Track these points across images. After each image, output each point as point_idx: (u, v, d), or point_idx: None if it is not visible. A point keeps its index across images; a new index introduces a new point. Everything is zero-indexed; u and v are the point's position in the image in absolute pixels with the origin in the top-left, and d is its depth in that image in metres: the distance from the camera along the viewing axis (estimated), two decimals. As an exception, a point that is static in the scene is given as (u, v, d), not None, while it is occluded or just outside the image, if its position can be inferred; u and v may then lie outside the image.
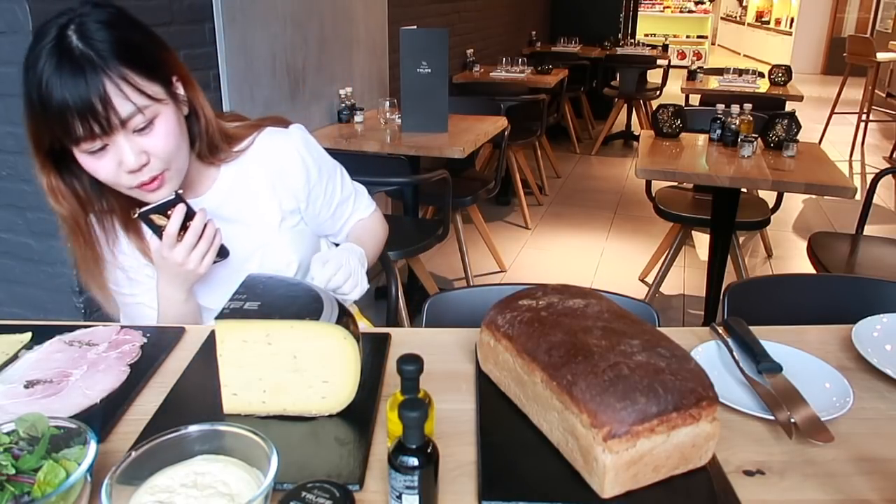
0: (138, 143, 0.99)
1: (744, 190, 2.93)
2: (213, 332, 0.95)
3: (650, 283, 3.40)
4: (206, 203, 1.16)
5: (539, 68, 5.16)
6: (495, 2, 5.81)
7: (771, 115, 2.80)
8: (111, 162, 0.99)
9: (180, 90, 1.06)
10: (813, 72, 11.69)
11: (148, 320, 1.21)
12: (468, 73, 5.07)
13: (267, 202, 1.22)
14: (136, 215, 1.04)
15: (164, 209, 1.04)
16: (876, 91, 6.63)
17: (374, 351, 1.05)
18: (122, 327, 1.11)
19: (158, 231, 1.05)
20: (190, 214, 1.06)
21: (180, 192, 1.06)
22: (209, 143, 1.13)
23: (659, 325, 1.21)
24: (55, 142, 0.98)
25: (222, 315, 0.86)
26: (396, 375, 0.74)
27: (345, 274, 1.13)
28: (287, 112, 2.83)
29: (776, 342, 1.05)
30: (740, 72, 5.06)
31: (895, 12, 9.98)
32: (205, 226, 1.07)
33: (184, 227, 1.05)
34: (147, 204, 1.04)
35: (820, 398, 0.92)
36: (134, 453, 0.69)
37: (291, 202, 1.24)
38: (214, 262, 1.11)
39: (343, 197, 1.34)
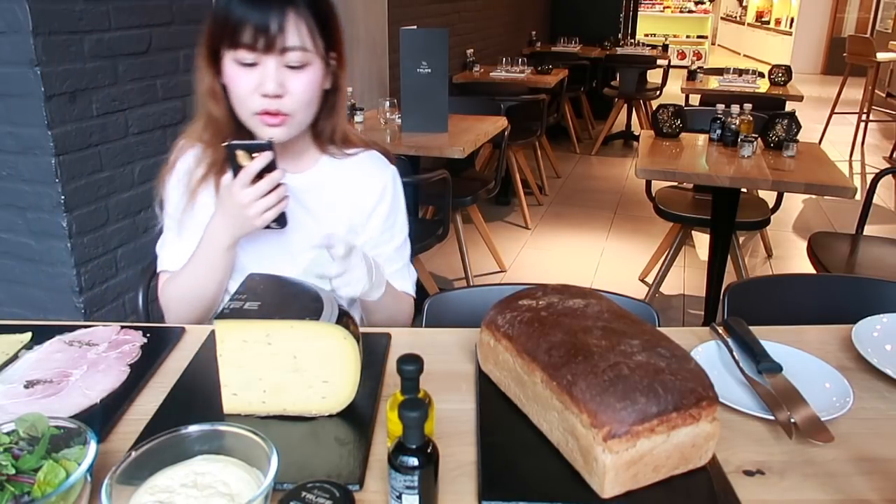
0: (284, 76, 1.07)
1: (744, 190, 2.92)
2: (213, 332, 0.95)
3: (650, 283, 3.40)
4: (295, 182, 1.18)
5: (539, 68, 5.16)
6: (495, 2, 5.81)
7: (771, 115, 2.80)
8: (253, 79, 1.07)
9: (333, 64, 1.15)
10: (813, 72, 11.69)
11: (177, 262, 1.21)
12: (468, 73, 5.07)
13: (342, 211, 1.24)
14: (226, 144, 1.07)
15: (252, 150, 1.06)
16: (876, 91, 6.63)
17: (374, 351, 1.05)
18: (123, 327, 1.11)
19: (237, 169, 1.07)
20: (271, 167, 1.06)
21: (273, 140, 1.07)
22: (332, 125, 1.20)
23: (659, 325, 1.21)
24: (219, 46, 1.09)
25: (222, 315, 0.86)
26: (396, 375, 0.74)
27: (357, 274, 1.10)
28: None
29: (776, 342, 1.05)
30: (740, 72, 5.06)
31: (895, 12, 9.98)
32: (279, 186, 1.08)
33: (260, 176, 1.06)
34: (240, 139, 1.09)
35: (820, 398, 0.92)
36: (134, 453, 0.69)
37: (359, 221, 1.26)
38: (270, 227, 1.11)
39: (390, 252, 1.29)
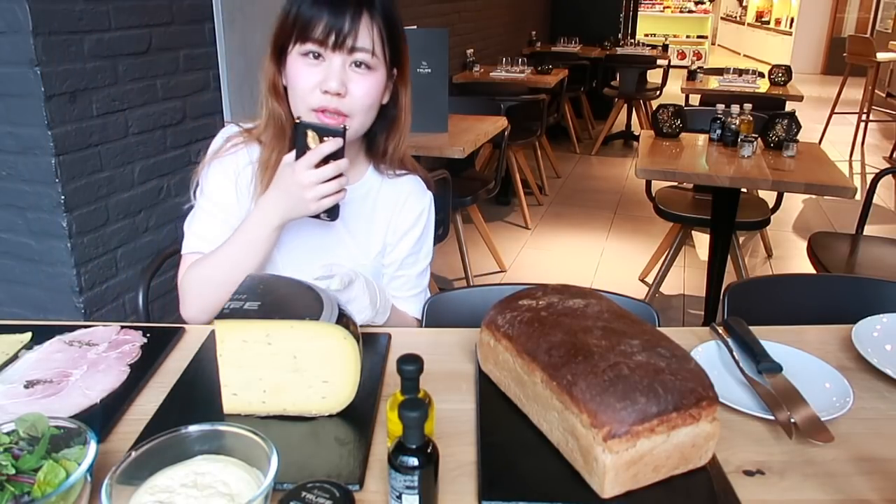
0: (347, 76, 1.08)
1: (744, 190, 2.92)
2: (213, 332, 0.95)
3: (650, 283, 3.40)
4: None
5: (539, 68, 5.16)
6: (495, 2, 5.81)
7: (771, 115, 2.80)
8: (316, 74, 1.08)
9: (395, 78, 1.17)
10: (813, 72, 11.69)
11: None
12: (468, 73, 5.07)
13: (378, 228, 1.25)
14: (298, 121, 1.06)
15: (323, 133, 1.04)
16: (876, 91, 6.63)
17: (374, 351, 1.05)
18: (123, 327, 1.11)
19: (302, 150, 1.04)
20: (338, 154, 1.05)
21: (347, 129, 1.06)
22: (391, 144, 1.21)
23: (659, 325, 1.21)
24: (286, 42, 1.10)
25: (222, 315, 0.86)
26: (396, 375, 0.74)
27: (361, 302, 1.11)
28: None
29: (776, 342, 1.05)
30: (740, 72, 5.06)
31: (895, 12, 9.98)
32: (341, 175, 1.06)
33: (325, 162, 1.04)
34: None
35: (820, 398, 0.92)
36: (134, 453, 0.69)
37: (391, 240, 1.26)
38: (319, 216, 1.09)
39: (412, 277, 1.30)
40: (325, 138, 1.04)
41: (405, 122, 1.22)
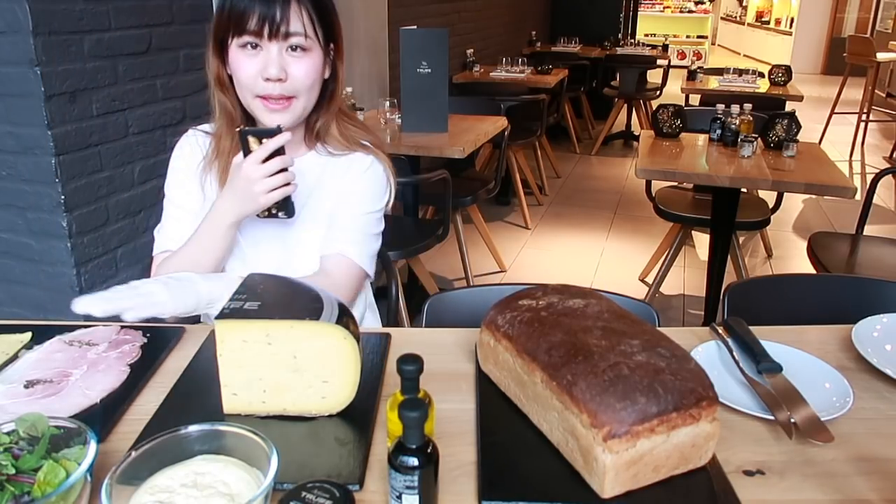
0: (286, 61, 1.13)
1: (744, 190, 2.93)
2: (213, 332, 0.95)
3: (650, 283, 3.40)
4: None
5: (539, 68, 5.16)
6: (495, 2, 5.81)
7: (771, 115, 2.80)
8: (257, 64, 1.13)
9: (332, 57, 1.21)
10: (813, 72, 11.69)
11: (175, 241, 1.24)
12: (468, 73, 5.07)
13: (326, 196, 1.27)
14: (238, 129, 1.13)
15: (262, 136, 1.11)
16: (876, 91, 6.63)
17: (374, 351, 1.05)
18: (123, 327, 1.11)
19: (248, 154, 1.12)
20: (280, 151, 1.12)
21: (283, 127, 1.13)
22: (322, 119, 1.25)
23: (659, 325, 1.21)
24: (225, 35, 1.14)
25: (222, 315, 0.86)
26: (396, 375, 0.74)
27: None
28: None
29: (776, 342, 1.05)
30: (740, 72, 5.06)
31: (895, 12, 9.98)
32: (286, 171, 1.12)
33: (271, 158, 1.12)
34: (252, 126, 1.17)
35: (820, 398, 0.92)
36: (134, 453, 0.69)
37: (340, 202, 1.28)
38: (275, 213, 1.16)
39: (346, 212, 1.26)
40: (264, 140, 1.11)
41: (337, 92, 1.25)
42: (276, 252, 1.27)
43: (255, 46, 1.13)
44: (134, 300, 1.00)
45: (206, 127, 1.32)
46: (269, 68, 1.12)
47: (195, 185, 1.27)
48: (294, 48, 1.14)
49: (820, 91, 9.22)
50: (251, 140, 1.11)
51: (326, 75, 1.21)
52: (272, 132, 1.11)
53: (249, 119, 1.22)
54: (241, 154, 1.13)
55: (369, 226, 1.29)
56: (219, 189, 1.23)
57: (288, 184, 1.12)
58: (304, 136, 1.28)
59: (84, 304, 0.98)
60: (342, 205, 1.27)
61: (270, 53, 1.12)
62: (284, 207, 1.16)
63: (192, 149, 1.29)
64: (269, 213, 1.16)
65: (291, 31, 1.12)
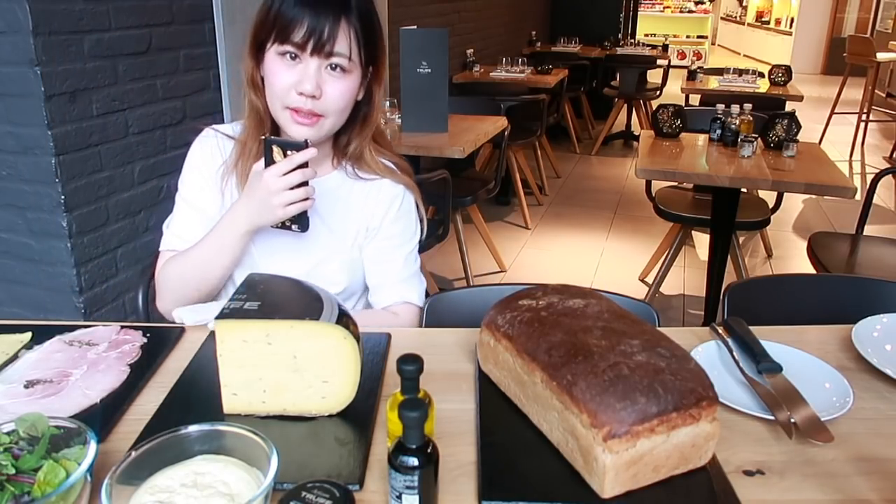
0: (323, 78, 1.11)
1: (744, 190, 2.92)
2: (213, 332, 0.95)
3: (650, 283, 3.40)
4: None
5: (539, 68, 5.16)
6: (495, 2, 5.81)
7: (771, 115, 2.80)
8: (293, 75, 1.10)
9: (369, 78, 1.18)
10: (813, 72, 11.69)
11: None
12: (468, 73, 5.07)
13: (353, 218, 1.26)
14: (264, 138, 1.10)
15: (287, 148, 1.08)
16: (876, 91, 6.63)
17: (374, 351, 1.05)
18: (123, 327, 1.11)
19: (269, 163, 1.09)
20: (305, 164, 1.09)
21: (308, 141, 1.09)
22: (353, 140, 1.23)
23: (659, 325, 1.21)
24: (265, 39, 1.11)
25: (222, 315, 0.86)
26: (396, 375, 0.74)
27: None
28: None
29: (776, 342, 1.05)
30: (740, 72, 5.06)
31: (895, 12, 9.98)
32: (307, 185, 1.10)
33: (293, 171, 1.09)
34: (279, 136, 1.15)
35: (820, 398, 0.92)
36: (134, 453, 0.69)
37: (363, 230, 1.27)
38: (289, 226, 1.13)
39: (398, 256, 1.29)
40: (289, 152, 1.08)
41: (372, 117, 1.23)
42: (292, 269, 1.19)
43: (294, 57, 1.10)
44: None
45: (225, 128, 1.28)
46: (305, 83, 1.09)
47: (212, 187, 1.24)
48: (334, 67, 1.10)
49: (820, 91, 9.22)
50: (275, 150, 1.08)
51: (360, 97, 1.18)
52: (299, 146, 1.07)
53: (275, 125, 1.19)
54: (262, 161, 1.10)
55: (416, 263, 1.32)
56: (240, 193, 1.20)
57: (307, 198, 1.10)
58: (332, 153, 1.26)
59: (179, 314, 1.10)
60: (388, 246, 1.27)
61: (309, 68, 1.09)
62: (299, 221, 1.13)
63: (212, 151, 1.25)
64: (282, 224, 1.13)
65: (336, 51, 1.09)
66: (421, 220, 1.33)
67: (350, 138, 1.23)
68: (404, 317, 1.28)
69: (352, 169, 1.26)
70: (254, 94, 1.19)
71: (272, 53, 1.11)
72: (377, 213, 1.27)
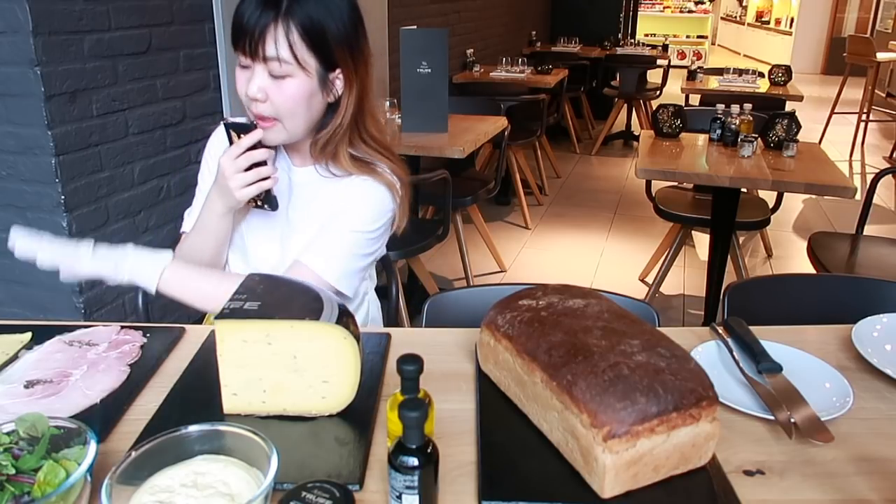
0: (267, 82, 1.12)
1: (744, 190, 2.92)
2: (213, 332, 0.95)
3: (650, 283, 3.40)
4: (297, 177, 1.27)
5: (539, 68, 5.16)
6: (495, 2, 5.81)
7: (771, 115, 2.80)
8: (244, 80, 1.15)
9: (338, 83, 1.18)
10: (813, 72, 11.69)
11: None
12: (468, 73, 5.07)
13: (317, 211, 1.26)
14: (223, 121, 1.17)
15: (240, 131, 1.14)
16: (876, 91, 6.62)
17: (374, 351, 1.05)
18: (123, 327, 1.11)
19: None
20: (258, 146, 1.14)
21: (258, 124, 1.15)
22: (326, 140, 1.22)
23: (659, 325, 1.21)
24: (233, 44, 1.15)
25: (222, 315, 0.86)
26: (396, 375, 0.74)
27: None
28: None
29: (776, 342, 1.05)
30: (740, 72, 5.06)
31: (895, 12, 9.98)
32: (261, 165, 1.14)
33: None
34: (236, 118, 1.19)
35: (820, 398, 0.92)
36: (134, 453, 0.69)
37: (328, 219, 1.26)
38: (258, 206, 1.19)
39: (328, 236, 1.23)
40: (241, 134, 1.13)
41: (343, 121, 1.20)
42: (275, 252, 1.29)
43: (245, 65, 1.13)
44: (58, 251, 1.12)
45: (242, 119, 1.27)
46: (250, 87, 1.13)
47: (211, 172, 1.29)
48: (275, 71, 1.11)
49: (820, 91, 9.22)
50: (233, 134, 1.14)
51: (331, 99, 1.18)
52: (248, 128, 1.13)
53: None
54: (229, 148, 1.15)
55: (352, 245, 1.22)
56: None
57: (266, 178, 1.14)
58: (310, 149, 1.25)
59: (15, 235, 1.11)
60: (331, 219, 1.23)
61: (255, 72, 1.12)
62: (268, 201, 1.18)
63: (224, 143, 1.25)
64: (255, 204, 1.19)
65: (268, 55, 1.10)
66: (394, 215, 1.27)
67: (320, 138, 1.22)
68: (303, 275, 1.19)
69: (324, 166, 1.25)
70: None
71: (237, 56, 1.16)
72: (341, 202, 1.24)
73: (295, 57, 1.11)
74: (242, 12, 1.10)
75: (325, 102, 1.19)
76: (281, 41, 1.10)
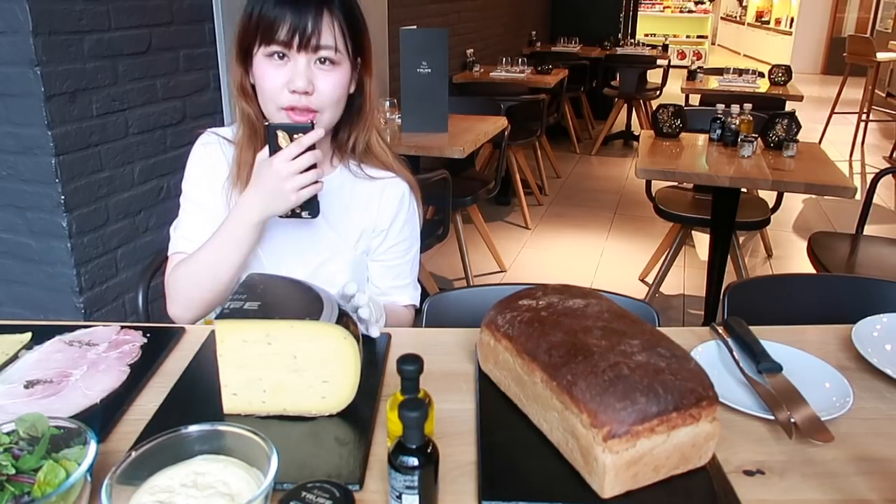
0: (313, 73, 1.10)
1: (744, 190, 2.92)
2: (213, 332, 0.95)
3: (650, 283, 3.40)
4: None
5: (539, 68, 5.16)
6: (495, 2, 5.81)
7: (771, 115, 2.80)
8: (283, 75, 1.10)
9: (359, 68, 1.18)
10: (813, 72, 11.69)
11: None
12: (468, 73, 5.07)
13: (355, 217, 1.26)
14: (268, 124, 1.09)
15: (293, 132, 1.07)
16: (876, 91, 6.62)
17: (374, 351, 1.05)
18: (123, 327, 1.11)
19: (276, 150, 1.07)
20: (312, 147, 1.07)
21: (315, 123, 1.09)
22: (353, 134, 1.22)
23: (659, 325, 1.21)
24: (251, 44, 1.12)
25: (222, 315, 0.86)
26: (396, 375, 0.74)
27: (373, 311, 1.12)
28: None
29: (776, 342, 1.05)
30: (740, 72, 5.06)
31: (895, 12, 9.98)
32: (316, 167, 1.08)
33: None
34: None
35: (820, 398, 0.92)
36: (134, 453, 0.69)
37: (373, 229, 1.28)
38: (300, 214, 1.11)
39: (405, 260, 1.33)
40: (295, 136, 1.06)
41: (370, 111, 1.23)
42: (297, 269, 1.20)
43: (282, 57, 1.10)
44: None
45: (225, 132, 1.28)
46: (297, 80, 1.09)
47: (217, 191, 1.22)
48: (323, 61, 1.10)
49: (820, 91, 9.22)
50: (280, 135, 1.06)
51: (352, 90, 1.18)
52: (305, 128, 1.06)
53: None
54: (265, 150, 1.08)
55: (416, 260, 1.35)
56: (232, 197, 1.20)
57: (318, 181, 1.08)
58: (332, 151, 1.25)
59: None
60: (398, 251, 1.30)
61: (298, 65, 1.09)
62: (309, 207, 1.10)
63: (217, 157, 1.25)
64: (292, 213, 1.11)
65: (322, 44, 1.09)
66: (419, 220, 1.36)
67: (349, 133, 1.23)
68: (404, 319, 1.32)
69: (357, 167, 1.26)
70: (244, 102, 1.19)
71: (260, 56, 1.11)
72: (385, 214, 1.27)
73: (345, 44, 1.11)
74: (283, 3, 1.07)
75: (348, 93, 1.18)
76: (335, 29, 1.09)
